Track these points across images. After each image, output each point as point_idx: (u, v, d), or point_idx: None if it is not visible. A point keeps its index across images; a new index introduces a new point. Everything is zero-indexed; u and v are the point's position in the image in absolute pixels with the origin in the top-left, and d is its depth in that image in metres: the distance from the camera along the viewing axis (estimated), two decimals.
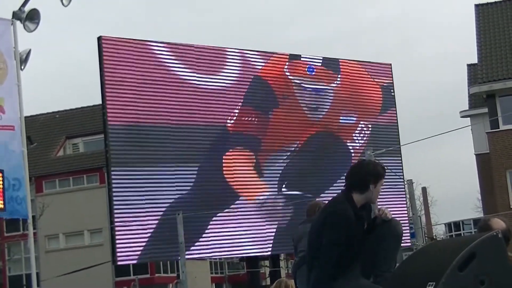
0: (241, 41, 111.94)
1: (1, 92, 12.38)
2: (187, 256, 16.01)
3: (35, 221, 38.93)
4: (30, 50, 13.40)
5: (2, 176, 11.89)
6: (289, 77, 19.38)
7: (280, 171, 18.98)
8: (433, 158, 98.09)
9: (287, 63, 19.44)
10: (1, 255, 46.06)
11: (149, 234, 16.78)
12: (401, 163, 21.48)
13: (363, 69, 21.20)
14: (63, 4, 13.34)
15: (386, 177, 6.36)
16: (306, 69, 19.68)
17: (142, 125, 17.09)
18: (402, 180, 20.82)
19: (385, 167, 6.39)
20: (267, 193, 18.86)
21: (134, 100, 17.01)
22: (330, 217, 6.12)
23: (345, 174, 6.38)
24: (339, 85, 20.24)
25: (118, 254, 16.59)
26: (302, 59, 19.71)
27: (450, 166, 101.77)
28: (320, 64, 19.94)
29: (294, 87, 19.36)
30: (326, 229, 6.07)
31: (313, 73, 19.68)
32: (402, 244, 6.64)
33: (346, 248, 6.00)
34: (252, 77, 18.81)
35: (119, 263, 17.19)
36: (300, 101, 19.34)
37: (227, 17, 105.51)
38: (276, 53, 19.44)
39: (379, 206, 6.31)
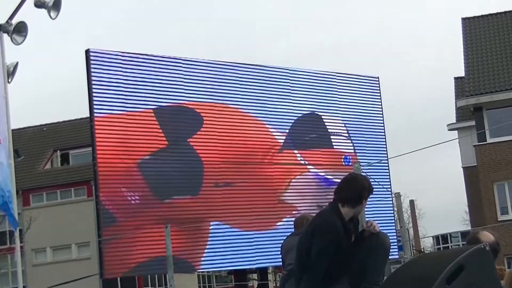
0: (228, 54, 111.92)
1: None
2: (175, 270, 15.94)
3: (22, 234, 38.75)
4: (17, 63, 13.38)
5: None
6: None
7: None
8: (421, 170, 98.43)
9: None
10: None
11: (137, 248, 16.70)
12: (389, 175, 21.48)
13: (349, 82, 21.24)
14: (50, 17, 13.33)
15: (373, 189, 6.44)
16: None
17: (130, 138, 17.03)
18: (389, 193, 20.83)
19: (373, 180, 6.48)
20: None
21: (122, 113, 16.96)
22: (319, 229, 6.14)
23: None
24: None
25: (106, 267, 16.51)
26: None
27: (437, 179, 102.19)
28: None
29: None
30: (314, 240, 6.09)
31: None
32: (390, 257, 6.66)
33: (334, 260, 6.01)
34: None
35: (106, 276, 17.09)
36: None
37: (214, 29, 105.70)
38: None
39: (367, 219, 6.34)
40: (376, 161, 19.47)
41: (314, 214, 9.07)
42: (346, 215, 6.19)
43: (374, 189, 6.47)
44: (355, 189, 6.23)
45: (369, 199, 6.39)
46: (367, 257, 6.15)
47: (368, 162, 18.19)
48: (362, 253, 6.16)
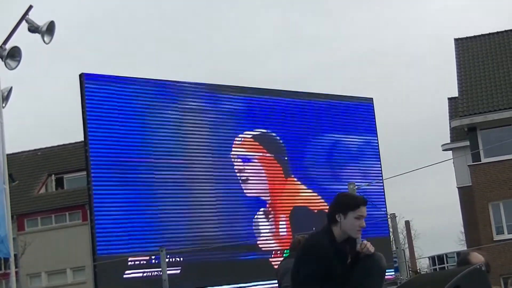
0: (219, 76, 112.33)
1: None
2: None
3: (17, 259, 38.59)
4: (11, 88, 13.38)
5: None
6: None
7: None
8: (416, 191, 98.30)
9: None
10: None
11: (132, 272, 16.66)
12: (384, 196, 21.50)
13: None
14: (44, 41, 13.34)
15: (369, 211, 6.30)
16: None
17: (125, 162, 17.02)
18: (385, 214, 20.82)
19: (366, 200, 6.29)
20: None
21: (116, 137, 16.97)
22: (304, 251, 6.07)
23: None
24: None
25: None
26: None
27: (433, 199, 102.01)
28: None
29: None
30: (301, 263, 6.02)
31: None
32: (386, 278, 6.57)
33: (326, 283, 5.91)
34: None
35: None
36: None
37: (207, 52, 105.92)
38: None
39: (364, 240, 6.21)
40: (371, 182, 19.48)
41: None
42: (337, 235, 6.04)
43: (370, 211, 6.38)
44: (330, 206, 6.13)
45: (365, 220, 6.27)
46: (363, 279, 6.04)
47: (363, 183, 18.18)
48: (357, 275, 6.06)
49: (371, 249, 6.07)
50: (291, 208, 19.67)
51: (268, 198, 19.38)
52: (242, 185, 18.94)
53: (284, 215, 19.47)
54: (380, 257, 6.17)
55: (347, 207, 6.05)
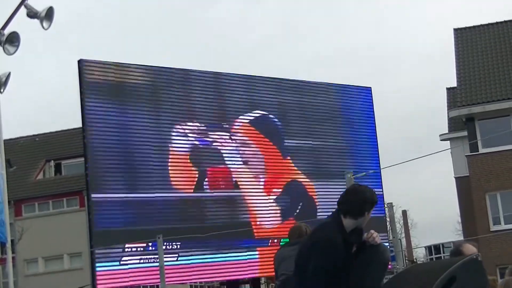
0: (219, 65, 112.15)
1: None
2: (167, 281, 15.91)
3: (14, 245, 38.67)
4: (9, 73, 13.38)
5: None
6: None
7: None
8: (413, 181, 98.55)
9: None
10: None
11: (129, 258, 16.66)
12: (381, 186, 21.48)
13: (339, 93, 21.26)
14: (43, 27, 13.32)
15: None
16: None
17: (123, 148, 17.01)
18: (382, 203, 20.82)
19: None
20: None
21: (114, 123, 16.95)
22: (318, 244, 6.02)
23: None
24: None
25: (98, 278, 16.46)
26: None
27: (430, 189, 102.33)
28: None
29: None
30: (313, 255, 5.99)
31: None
32: None
33: (334, 275, 5.87)
34: None
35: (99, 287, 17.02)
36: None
37: (207, 41, 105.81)
38: None
39: (372, 230, 6.16)
40: (369, 171, 19.45)
41: (307, 223, 9.03)
42: (347, 227, 6.04)
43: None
44: (355, 201, 6.10)
45: None
46: (365, 269, 5.98)
47: (361, 172, 18.16)
48: (360, 266, 6.01)
49: (378, 240, 6.05)
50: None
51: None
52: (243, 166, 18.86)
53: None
54: (384, 249, 6.16)
55: (374, 204, 6.23)
